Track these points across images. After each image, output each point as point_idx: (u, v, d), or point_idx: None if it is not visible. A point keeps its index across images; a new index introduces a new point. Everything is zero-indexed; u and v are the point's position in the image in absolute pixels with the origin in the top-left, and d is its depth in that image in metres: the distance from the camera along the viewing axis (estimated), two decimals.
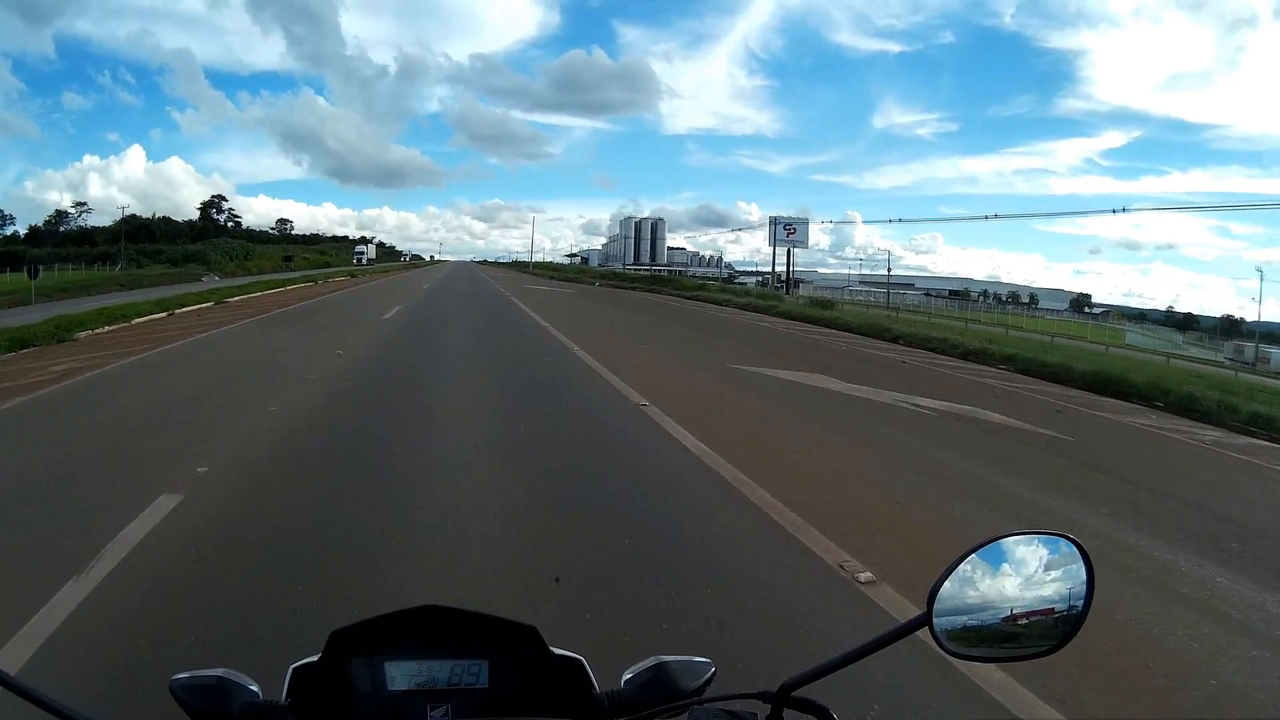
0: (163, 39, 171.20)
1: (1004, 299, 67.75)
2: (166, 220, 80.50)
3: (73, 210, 79.11)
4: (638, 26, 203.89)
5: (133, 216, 73.87)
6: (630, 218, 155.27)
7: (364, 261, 77.74)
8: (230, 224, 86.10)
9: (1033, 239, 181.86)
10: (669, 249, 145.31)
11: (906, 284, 71.35)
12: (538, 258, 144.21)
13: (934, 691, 2.24)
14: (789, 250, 35.37)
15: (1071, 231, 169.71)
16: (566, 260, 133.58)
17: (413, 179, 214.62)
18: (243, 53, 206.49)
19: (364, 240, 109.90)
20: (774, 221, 35.40)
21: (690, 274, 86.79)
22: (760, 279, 59.87)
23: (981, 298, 69.60)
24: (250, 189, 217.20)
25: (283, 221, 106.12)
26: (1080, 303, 68.21)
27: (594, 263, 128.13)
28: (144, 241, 65.41)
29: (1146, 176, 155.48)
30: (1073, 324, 51.76)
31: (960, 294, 64.83)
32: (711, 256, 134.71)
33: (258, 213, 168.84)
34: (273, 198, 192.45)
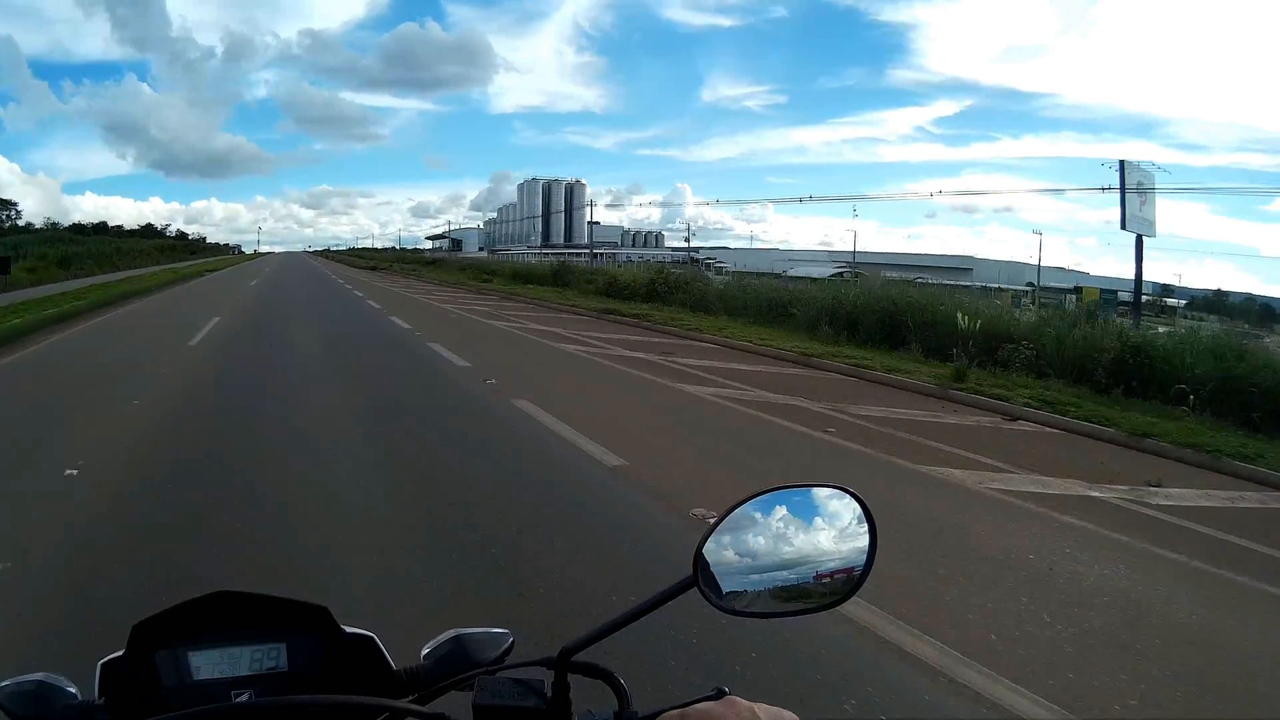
0: None
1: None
2: None
3: None
4: (466, 5, 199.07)
5: None
6: (536, 179, 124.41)
7: None
8: None
9: (864, 205, 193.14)
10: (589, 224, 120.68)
11: (961, 268, 47.33)
12: (365, 244, 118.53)
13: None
14: (1138, 241, 16.65)
15: (906, 197, 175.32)
16: (428, 244, 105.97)
17: (240, 168, 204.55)
18: (66, 39, 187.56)
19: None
20: (1125, 171, 16.17)
21: (620, 258, 63.13)
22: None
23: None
24: (77, 187, 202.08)
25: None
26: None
27: (472, 245, 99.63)
28: None
29: (977, 143, 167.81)
30: None
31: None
32: (651, 234, 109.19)
33: (84, 211, 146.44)
34: (99, 194, 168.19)
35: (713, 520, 0.69)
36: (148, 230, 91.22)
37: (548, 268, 27.40)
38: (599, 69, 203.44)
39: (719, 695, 0.62)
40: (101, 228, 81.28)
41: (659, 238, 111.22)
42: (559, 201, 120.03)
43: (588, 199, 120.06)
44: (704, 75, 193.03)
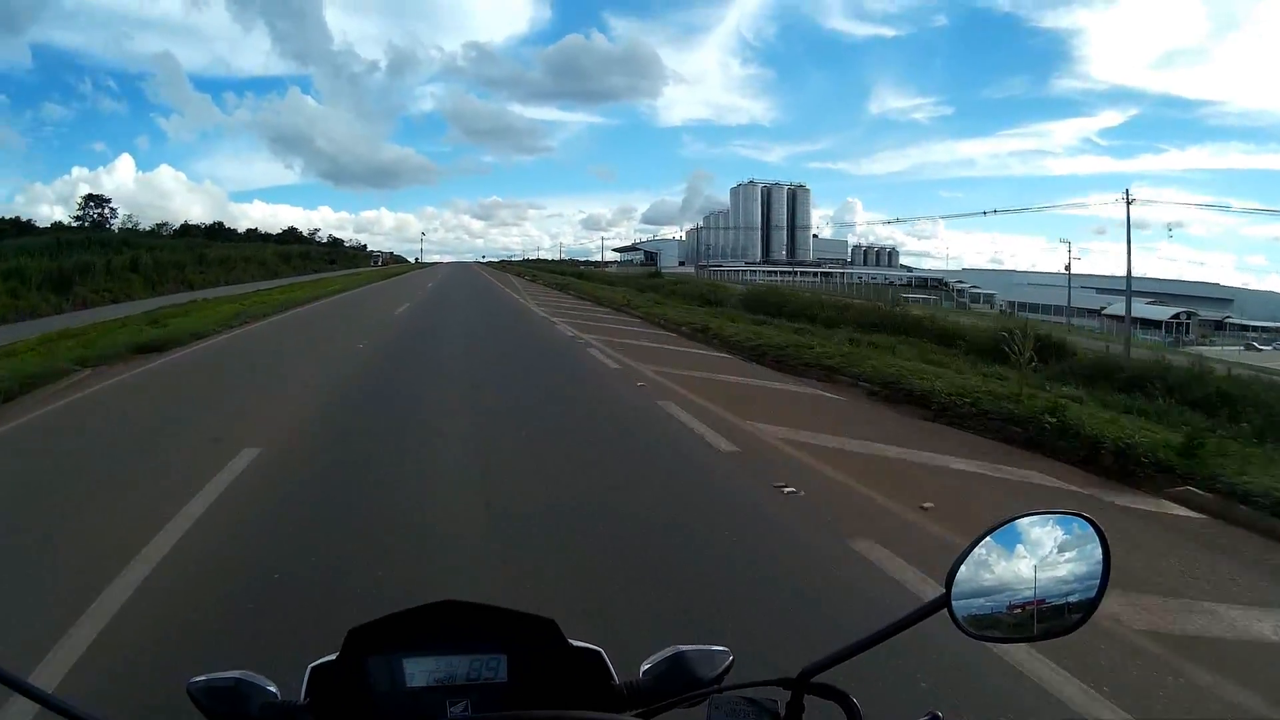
0: (142, 44, 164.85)
1: None
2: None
3: None
4: (628, 18, 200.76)
5: None
6: (754, 183, 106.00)
7: None
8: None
9: (1031, 220, 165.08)
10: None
11: (1218, 298, 46.72)
12: (544, 254, 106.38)
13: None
14: None
15: (1073, 212, 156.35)
16: (616, 256, 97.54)
17: (408, 178, 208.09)
18: (226, 53, 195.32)
19: None
20: None
21: (855, 278, 56.69)
22: None
23: None
24: (244, 195, 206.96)
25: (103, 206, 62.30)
26: None
27: (668, 259, 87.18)
28: None
29: (1144, 155, 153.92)
30: None
31: None
32: (884, 250, 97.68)
33: (253, 219, 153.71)
34: (268, 203, 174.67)
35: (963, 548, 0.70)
36: (288, 235, 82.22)
37: None
38: (765, 81, 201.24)
39: None
40: (216, 230, 72.18)
41: (891, 255, 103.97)
42: (779, 211, 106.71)
43: (813, 208, 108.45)
44: (870, 87, 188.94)
